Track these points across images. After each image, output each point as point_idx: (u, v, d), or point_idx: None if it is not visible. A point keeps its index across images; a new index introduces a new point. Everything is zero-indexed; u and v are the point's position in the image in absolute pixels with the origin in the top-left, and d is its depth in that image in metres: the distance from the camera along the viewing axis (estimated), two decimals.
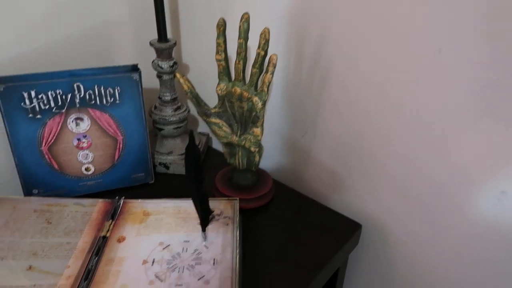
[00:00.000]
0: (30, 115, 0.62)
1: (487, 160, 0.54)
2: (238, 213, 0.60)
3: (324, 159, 0.73)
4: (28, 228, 0.56)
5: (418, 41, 0.54)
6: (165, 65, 0.70)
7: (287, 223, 0.66)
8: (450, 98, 0.54)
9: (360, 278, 0.78)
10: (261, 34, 0.56)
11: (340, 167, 0.71)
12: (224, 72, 0.61)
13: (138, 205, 0.61)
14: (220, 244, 0.55)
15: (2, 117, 0.60)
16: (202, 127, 0.91)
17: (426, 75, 0.55)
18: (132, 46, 0.80)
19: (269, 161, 0.81)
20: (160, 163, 0.76)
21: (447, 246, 0.62)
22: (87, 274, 0.50)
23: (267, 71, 0.58)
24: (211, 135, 0.89)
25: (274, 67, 0.57)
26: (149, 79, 0.74)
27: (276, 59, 0.57)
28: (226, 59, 0.61)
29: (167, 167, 0.76)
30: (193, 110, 0.83)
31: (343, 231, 0.66)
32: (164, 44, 0.69)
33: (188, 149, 0.47)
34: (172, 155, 0.76)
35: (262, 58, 0.58)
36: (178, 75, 0.62)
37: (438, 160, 0.59)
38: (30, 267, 0.51)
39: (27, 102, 0.61)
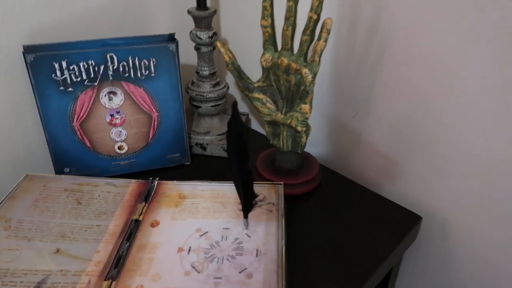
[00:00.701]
0: (61, 87, 0.58)
1: None
2: (283, 199, 0.54)
3: (378, 142, 0.65)
4: (58, 208, 0.52)
5: None
6: (204, 35, 0.64)
7: (336, 213, 0.59)
8: None
9: (415, 278, 0.70)
10: None
11: (397, 151, 0.63)
12: (270, 40, 0.54)
13: (174, 187, 0.56)
14: (263, 233, 0.49)
15: (33, 90, 0.56)
16: (241, 107, 0.85)
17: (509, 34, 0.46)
18: (169, 16, 0.74)
19: (313, 143, 0.73)
20: (196, 144, 0.71)
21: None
22: (118, 261, 0.45)
23: (319, 38, 0.50)
24: (250, 116, 0.83)
25: (328, 33, 0.50)
26: (186, 55, 0.68)
27: (331, 24, 0.49)
28: (273, 25, 0.54)
29: (204, 148, 0.71)
30: (232, 90, 0.77)
31: (400, 223, 0.58)
32: (203, 12, 0.62)
33: (231, 123, 0.41)
34: (209, 135, 0.71)
35: (315, 23, 0.51)
36: (218, 44, 0.56)
37: None
38: (57, 250, 0.46)
39: (58, 73, 0.57)
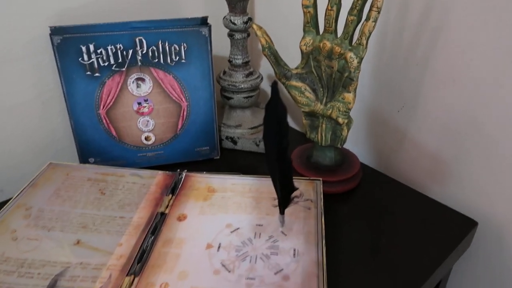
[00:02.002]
0: (88, 72, 0.55)
1: None
2: (322, 196, 0.49)
3: (425, 139, 0.59)
4: (80, 198, 0.49)
5: None
6: (238, 20, 0.60)
7: (379, 214, 0.54)
8: None
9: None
10: None
11: (447, 150, 0.57)
12: (311, 22, 0.50)
13: (203, 180, 0.52)
14: (301, 232, 0.44)
15: (59, 74, 0.54)
16: None
17: None
18: None
19: (352, 140, 0.68)
20: (227, 137, 0.67)
21: None
22: (141, 255, 0.41)
23: (368, 18, 0.46)
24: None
25: (379, 12, 0.45)
26: (218, 44, 0.64)
27: (382, 1, 0.44)
28: (315, 4, 0.49)
29: (234, 142, 0.67)
30: (265, 83, 0.73)
31: (452, 229, 0.51)
32: None
33: (270, 105, 0.36)
34: (240, 129, 0.66)
35: (363, 1, 0.46)
36: (255, 26, 0.52)
37: None
38: (78, 242, 0.43)
39: (85, 57, 0.54)
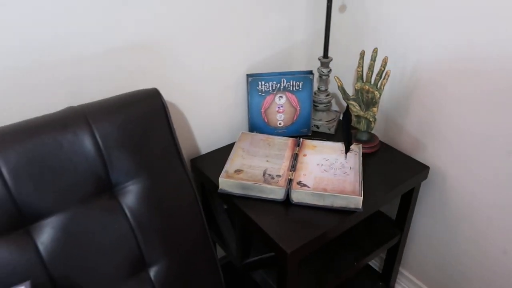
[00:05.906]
0: (259, 93, 1.26)
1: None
2: (361, 151, 1.18)
3: (411, 129, 1.26)
4: (260, 146, 1.20)
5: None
6: (325, 70, 1.29)
7: (386, 162, 1.21)
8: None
9: (429, 205, 1.30)
10: (383, 60, 1.12)
11: (420, 134, 1.24)
12: (360, 77, 1.18)
13: (310, 142, 1.22)
14: (353, 162, 1.13)
15: (247, 94, 1.25)
16: (334, 106, 1.49)
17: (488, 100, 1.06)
18: (308, 60, 1.40)
19: (378, 129, 1.36)
20: (314, 125, 1.36)
21: (488, 187, 1.12)
22: (292, 166, 1.11)
23: (384, 78, 1.13)
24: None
25: (388, 77, 1.13)
26: (315, 79, 1.33)
27: (389, 73, 1.12)
28: (362, 70, 1.17)
29: (317, 127, 1.36)
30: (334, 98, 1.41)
31: (417, 169, 1.19)
32: (326, 59, 1.28)
33: (345, 113, 1.05)
34: (321, 121, 1.36)
35: (382, 72, 1.14)
36: (335, 77, 1.20)
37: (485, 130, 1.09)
38: (267, 161, 1.14)
39: (260, 87, 1.25)
